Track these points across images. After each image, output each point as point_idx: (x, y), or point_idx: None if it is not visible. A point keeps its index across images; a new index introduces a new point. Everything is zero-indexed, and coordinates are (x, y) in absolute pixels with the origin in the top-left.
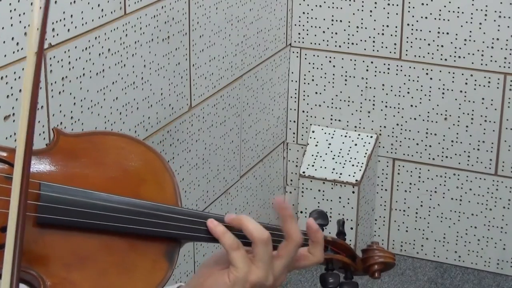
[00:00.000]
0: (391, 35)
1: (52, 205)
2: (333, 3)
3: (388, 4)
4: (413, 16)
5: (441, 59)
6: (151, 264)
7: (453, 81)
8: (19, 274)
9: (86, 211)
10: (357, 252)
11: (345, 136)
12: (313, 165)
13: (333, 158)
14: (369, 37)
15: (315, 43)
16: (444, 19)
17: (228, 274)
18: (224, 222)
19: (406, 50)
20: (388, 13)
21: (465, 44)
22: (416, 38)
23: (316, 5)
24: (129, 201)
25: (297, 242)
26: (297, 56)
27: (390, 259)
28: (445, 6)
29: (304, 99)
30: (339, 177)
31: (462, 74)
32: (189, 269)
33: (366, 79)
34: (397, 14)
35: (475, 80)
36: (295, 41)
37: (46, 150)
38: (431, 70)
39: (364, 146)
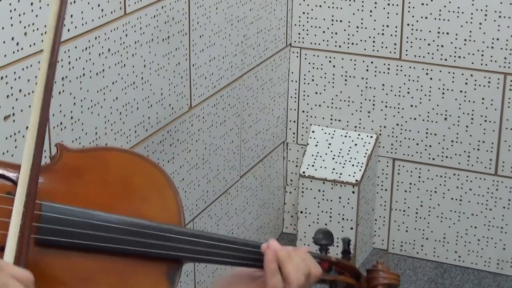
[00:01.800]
0: (391, 35)
1: (53, 227)
2: (333, 3)
3: (388, 4)
4: (413, 16)
5: (441, 59)
6: (152, 285)
7: (453, 81)
8: None
9: (87, 233)
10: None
11: (345, 136)
12: (313, 165)
13: (333, 158)
14: (369, 37)
15: (315, 43)
16: (444, 19)
17: None
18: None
19: (406, 50)
20: (388, 13)
21: (465, 44)
22: (416, 38)
23: (316, 5)
24: (131, 222)
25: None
26: (297, 56)
27: (394, 280)
28: (445, 6)
29: (304, 99)
30: (339, 177)
31: (462, 74)
32: None
33: (366, 79)
34: (397, 14)
35: (475, 80)
36: (295, 41)
37: (49, 167)
38: (431, 70)
39: (364, 146)
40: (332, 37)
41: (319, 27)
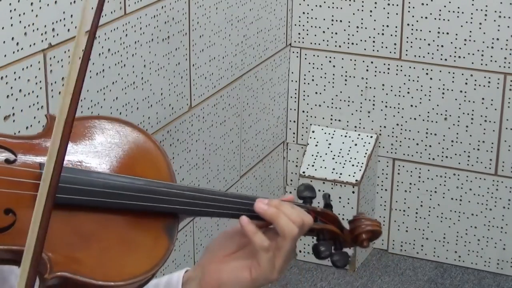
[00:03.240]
0: (391, 35)
1: None
2: (333, 3)
3: (388, 4)
4: (413, 16)
5: (441, 59)
6: (153, 240)
7: (453, 81)
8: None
9: (86, 189)
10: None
11: (345, 136)
12: (313, 165)
13: (333, 158)
14: (369, 37)
15: (315, 43)
16: (444, 19)
17: (251, 270)
18: (255, 211)
19: (406, 50)
20: (388, 13)
21: (465, 44)
22: (416, 38)
23: (316, 5)
24: (127, 178)
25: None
26: (297, 56)
27: (376, 226)
28: (445, 6)
29: (304, 99)
30: (339, 177)
31: (462, 74)
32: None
33: (366, 79)
34: (397, 14)
35: (475, 80)
36: (295, 41)
37: (40, 135)
38: (431, 70)
39: (364, 146)
40: (332, 37)
41: (319, 27)
